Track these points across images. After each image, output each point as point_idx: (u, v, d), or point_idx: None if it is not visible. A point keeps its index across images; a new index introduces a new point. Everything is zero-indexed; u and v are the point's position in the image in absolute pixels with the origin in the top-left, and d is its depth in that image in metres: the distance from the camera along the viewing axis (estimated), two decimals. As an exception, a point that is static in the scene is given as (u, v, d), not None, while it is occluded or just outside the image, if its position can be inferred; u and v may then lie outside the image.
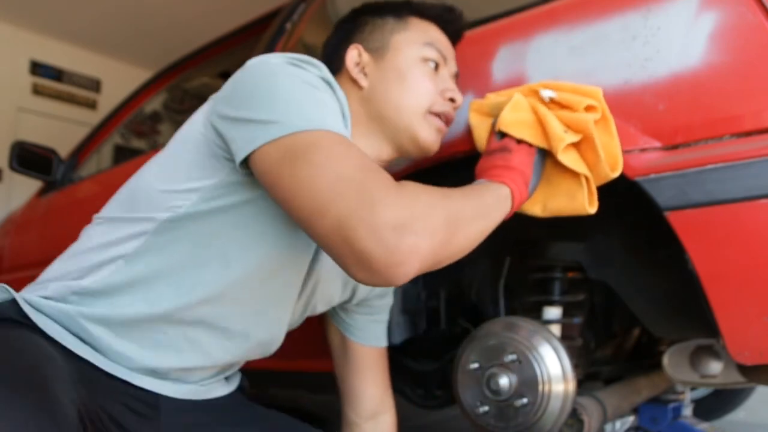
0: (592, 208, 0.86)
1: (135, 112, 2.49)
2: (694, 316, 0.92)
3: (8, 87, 5.41)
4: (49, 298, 0.83)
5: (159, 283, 0.83)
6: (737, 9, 0.80)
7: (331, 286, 1.00)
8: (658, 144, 0.84)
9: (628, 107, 0.86)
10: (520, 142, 0.86)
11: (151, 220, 0.83)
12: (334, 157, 0.69)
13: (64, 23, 5.38)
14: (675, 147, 0.82)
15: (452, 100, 0.93)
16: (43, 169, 2.32)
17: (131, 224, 0.84)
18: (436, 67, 0.94)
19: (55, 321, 0.81)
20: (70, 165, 2.40)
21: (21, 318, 0.79)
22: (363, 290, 1.05)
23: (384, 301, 1.10)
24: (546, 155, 0.88)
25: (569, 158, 0.85)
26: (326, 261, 0.95)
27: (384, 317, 1.11)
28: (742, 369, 0.94)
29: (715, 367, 1.05)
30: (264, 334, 0.93)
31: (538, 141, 0.86)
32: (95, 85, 6.04)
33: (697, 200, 0.78)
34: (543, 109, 0.86)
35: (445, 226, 0.68)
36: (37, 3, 5.02)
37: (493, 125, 0.90)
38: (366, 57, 0.94)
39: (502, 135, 0.88)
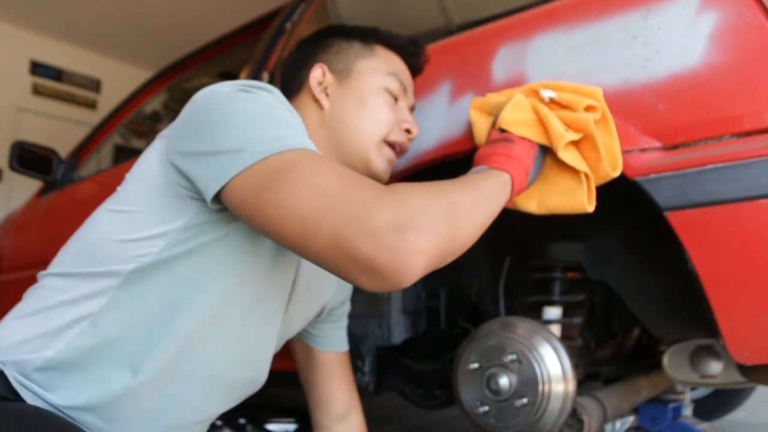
0: (590, 207, 0.86)
1: (135, 112, 2.49)
2: (694, 316, 0.92)
3: (8, 87, 5.40)
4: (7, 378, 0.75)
5: (134, 341, 0.76)
6: (737, 9, 0.80)
7: (308, 307, 0.99)
8: (658, 144, 0.84)
9: (628, 107, 0.86)
10: (521, 138, 0.86)
11: (115, 274, 0.76)
12: (314, 172, 0.66)
13: (64, 23, 5.37)
14: (675, 147, 0.82)
15: (408, 131, 0.94)
16: (43, 169, 2.32)
17: (92, 280, 0.77)
18: (396, 99, 0.95)
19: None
20: (70, 165, 2.40)
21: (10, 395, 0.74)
22: (332, 302, 1.06)
23: (345, 308, 1.11)
24: (546, 153, 0.88)
25: (570, 156, 0.85)
26: (303, 284, 0.93)
27: (344, 323, 1.12)
28: (742, 369, 0.94)
29: (715, 367, 1.05)
30: (252, 371, 0.90)
31: (539, 138, 0.86)
32: (95, 85, 6.04)
33: (697, 200, 0.78)
34: (544, 109, 0.86)
35: (446, 220, 0.66)
36: (37, 3, 5.02)
37: (494, 123, 0.90)
38: (330, 77, 0.94)
39: (503, 132, 0.88)
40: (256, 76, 1.62)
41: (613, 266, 1.04)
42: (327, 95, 0.93)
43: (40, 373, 0.76)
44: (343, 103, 0.92)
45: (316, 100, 0.93)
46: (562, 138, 0.83)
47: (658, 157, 0.83)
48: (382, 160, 0.92)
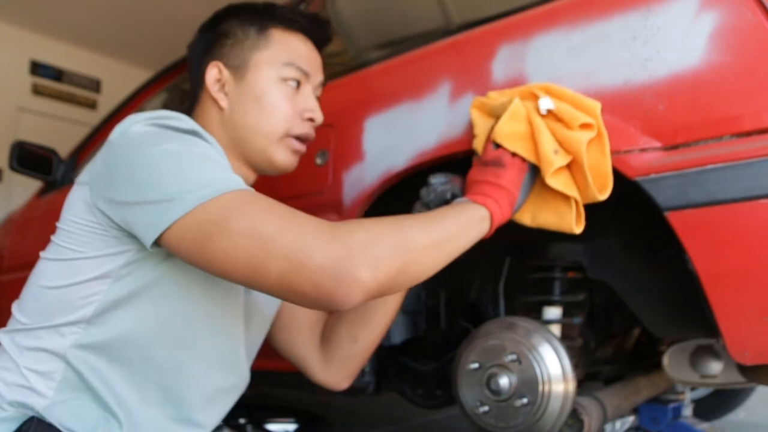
0: (578, 229, 0.87)
1: (135, 112, 2.49)
2: (694, 316, 0.92)
3: (8, 87, 5.40)
4: None
5: (115, 386, 0.79)
6: (737, 9, 0.80)
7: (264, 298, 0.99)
8: (658, 144, 0.84)
9: (628, 107, 0.86)
10: (514, 155, 0.86)
11: (77, 323, 0.79)
12: (252, 218, 0.68)
13: (64, 23, 5.37)
14: (675, 147, 0.82)
15: (311, 119, 0.94)
16: (43, 169, 2.32)
17: (53, 335, 0.79)
18: (298, 84, 0.94)
19: None
20: (70, 165, 2.40)
21: None
22: None
23: None
24: (538, 170, 0.88)
25: (558, 181, 0.85)
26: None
27: None
28: (742, 369, 0.94)
29: (715, 367, 1.05)
30: (234, 376, 0.92)
31: (531, 157, 0.86)
32: (95, 85, 6.03)
33: (697, 200, 0.78)
34: (538, 122, 0.85)
35: (393, 255, 0.69)
36: (37, 3, 5.02)
37: (491, 130, 0.90)
38: (227, 74, 0.92)
39: (498, 148, 0.87)
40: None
41: (613, 266, 1.04)
42: (226, 94, 0.92)
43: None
44: (240, 102, 0.91)
45: (215, 100, 0.92)
46: (551, 165, 0.83)
47: (658, 157, 0.83)
48: (285, 154, 0.93)
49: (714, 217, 0.78)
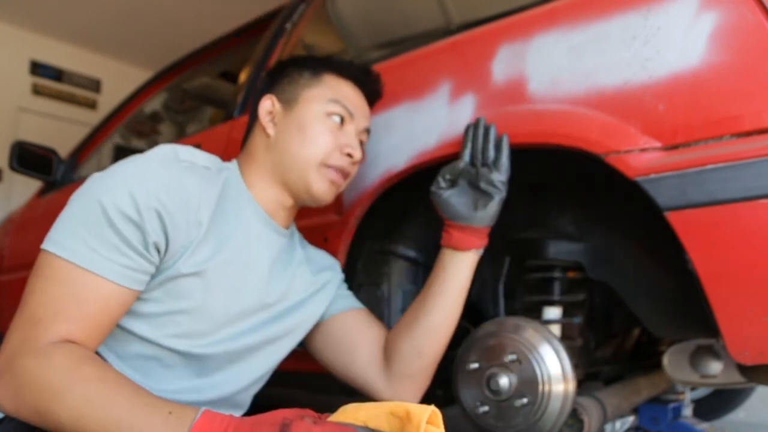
0: None
1: (135, 112, 2.49)
2: (694, 316, 0.92)
3: (8, 87, 5.40)
4: None
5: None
6: (737, 9, 0.80)
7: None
8: (658, 144, 0.84)
9: (628, 107, 0.86)
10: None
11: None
12: (40, 287, 0.76)
13: (64, 23, 5.37)
14: (675, 147, 0.82)
15: (350, 155, 0.98)
16: (43, 169, 2.32)
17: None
18: (343, 121, 0.99)
19: None
20: (70, 165, 2.40)
21: None
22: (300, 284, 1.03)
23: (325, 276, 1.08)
24: None
25: None
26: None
27: (338, 294, 1.09)
28: (742, 369, 0.94)
29: (715, 367, 1.05)
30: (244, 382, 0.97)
31: None
32: (95, 85, 6.03)
33: (697, 200, 0.78)
34: None
35: (34, 413, 0.70)
36: (37, 3, 5.01)
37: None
38: (278, 107, 1.00)
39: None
40: (256, 76, 1.62)
41: (613, 266, 1.04)
42: (275, 124, 0.99)
43: None
44: (286, 131, 0.98)
45: (264, 128, 0.99)
46: None
47: (658, 157, 0.83)
48: (322, 183, 0.97)
49: (714, 217, 0.78)
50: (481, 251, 1.02)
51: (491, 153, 0.97)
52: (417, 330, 1.01)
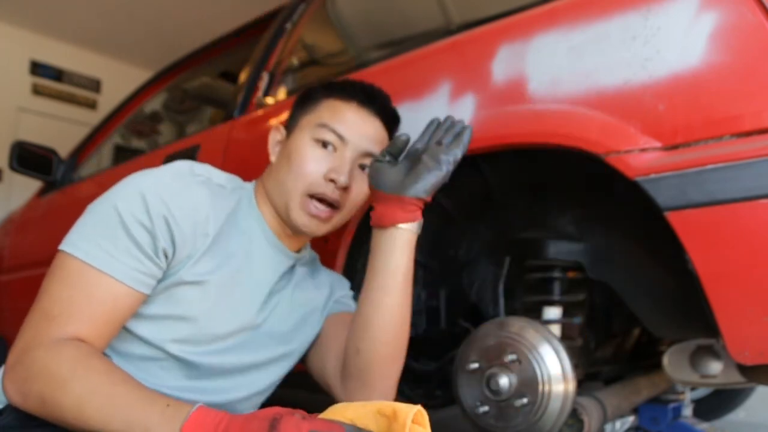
0: None
1: (135, 112, 2.49)
2: (694, 316, 0.92)
3: (8, 87, 5.40)
4: None
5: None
6: (737, 9, 0.80)
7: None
8: (658, 144, 0.84)
9: (628, 107, 0.86)
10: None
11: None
12: (53, 288, 0.78)
13: (64, 23, 5.37)
14: (675, 147, 0.82)
15: (333, 180, 0.91)
16: (43, 169, 2.32)
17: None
18: (335, 149, 0.94)
19: None
20: (70, 165, 2.40)
21: None
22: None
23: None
24: None
25: None
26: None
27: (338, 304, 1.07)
28: (742, 369, 0.94)
29: (715, 367, 1.05)
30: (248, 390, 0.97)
31: None
32: (95, 85, 6.03)
33: (697, 200, 0.78)
34: None
35: (40, 403, 0.73)
36: (37, 3, 5.01)
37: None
38: (284, 136, 1.01)
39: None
40: (256, 76, 1.62)
41: (613, 266, 1.04)
42: (279, 152, 0.99)
43: None
44: (280, 158, 0.98)
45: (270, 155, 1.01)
46: None
47: (658, 157, 0.83)
48: (299, 214, 0.92)
49: (714, 217, 0.78)
50: (415, 228, 0.91)
51: (448, 139, 0.92)
52: (354, 325, 0.94)
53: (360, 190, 0.96)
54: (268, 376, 0.99)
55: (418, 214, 0.91)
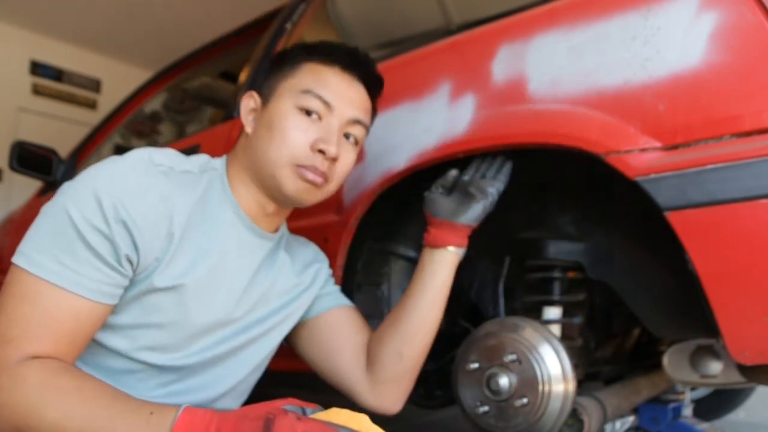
0: None
1: (135, 112, 2.49)
2: (694, 316, 0.92)
3: (8, 87, 5.40)
4: None
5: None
6: (737, 9, 0.80)
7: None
8: (658, 144, 0.84)
9: (628, 107, 0.86)
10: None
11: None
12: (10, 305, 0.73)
13: (64, 23, 5.37)
14: (675, 147, 0.82)
15: (321, 151, 0.87)
16: (43, 169, 2.32)
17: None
18: (320, 117, 0.89)
19: None
20: (70, 165, 2.40)
21: None
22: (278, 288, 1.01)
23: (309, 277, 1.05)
24: None
25: None
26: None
27: (323, 291, 1.06)
28: (742, 369, 0.94)
29: (715, 367, 1.05)
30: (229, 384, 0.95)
31: None
32: (95, 85, 6.03)
33: (697, 200, 0.78)
34: None
35: (14, 431, 0.68)
36: (37, 3, 5.01)
37: None
38: (258, 102, 0.93)
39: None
40: (256, 76, 1.62)
41: (613, 266, 1.04)
42: (254, 120, 0.93)
43: None
44: (259, 128, 0.91)
45: (244, 126, 0.93)
46: None
47: (658, 157, 0.83)
48: (294, 182, 0.88)
49: (714, 217, 0.78)
50: (461, 252, 1.01)
51: (492, 172, 1.01)
52: (397, 332, 0.99)
53: (346, 160, 0.93)
54: (248, 359, 0.96)
55: (466, 241, 1.01)
